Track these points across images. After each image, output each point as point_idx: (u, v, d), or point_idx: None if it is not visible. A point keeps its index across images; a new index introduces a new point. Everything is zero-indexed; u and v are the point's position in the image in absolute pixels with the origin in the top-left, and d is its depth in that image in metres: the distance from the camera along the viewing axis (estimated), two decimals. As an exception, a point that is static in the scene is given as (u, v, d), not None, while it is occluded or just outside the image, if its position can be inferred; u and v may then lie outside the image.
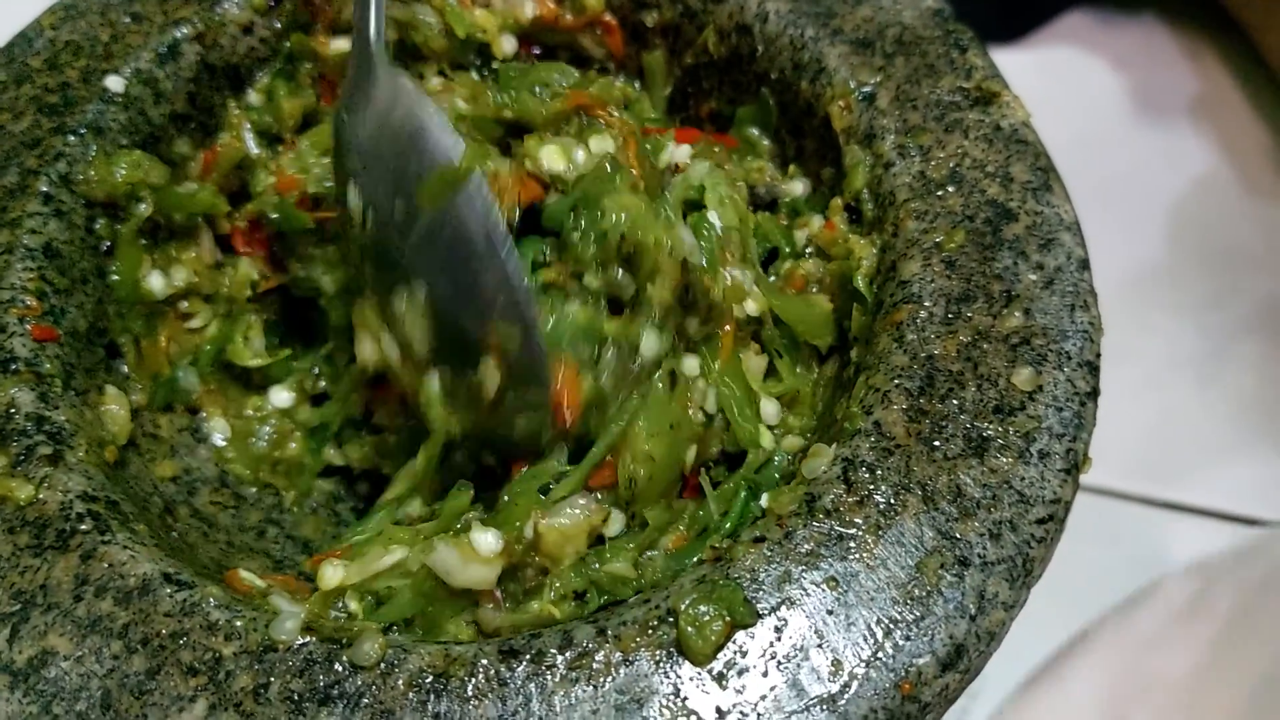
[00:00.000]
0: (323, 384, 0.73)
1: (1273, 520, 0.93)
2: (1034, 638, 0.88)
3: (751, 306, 0.62)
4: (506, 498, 0.58)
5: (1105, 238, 1.08)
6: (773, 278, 0.67)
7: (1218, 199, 1.13)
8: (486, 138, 0.65)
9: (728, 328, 0.60)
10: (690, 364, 0.60)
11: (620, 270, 0.58)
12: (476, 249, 0.56)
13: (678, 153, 0.63)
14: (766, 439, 0.61)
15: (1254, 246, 1.09)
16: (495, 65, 0.75)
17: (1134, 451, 0.98)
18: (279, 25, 0.74)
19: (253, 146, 0.72)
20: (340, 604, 0.55)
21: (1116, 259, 1.07)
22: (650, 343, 0.58)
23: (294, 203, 0.69)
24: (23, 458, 0.55)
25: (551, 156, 0.61)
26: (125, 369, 0.67)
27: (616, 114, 0.64)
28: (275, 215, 0.69)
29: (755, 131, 0.73)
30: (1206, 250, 1.09)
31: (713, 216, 0.62)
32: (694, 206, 0.63)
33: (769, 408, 0.61)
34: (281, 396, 0.72)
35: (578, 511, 0.57)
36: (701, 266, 0.59)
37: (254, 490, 0.70)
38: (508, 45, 0.76)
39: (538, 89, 0.64)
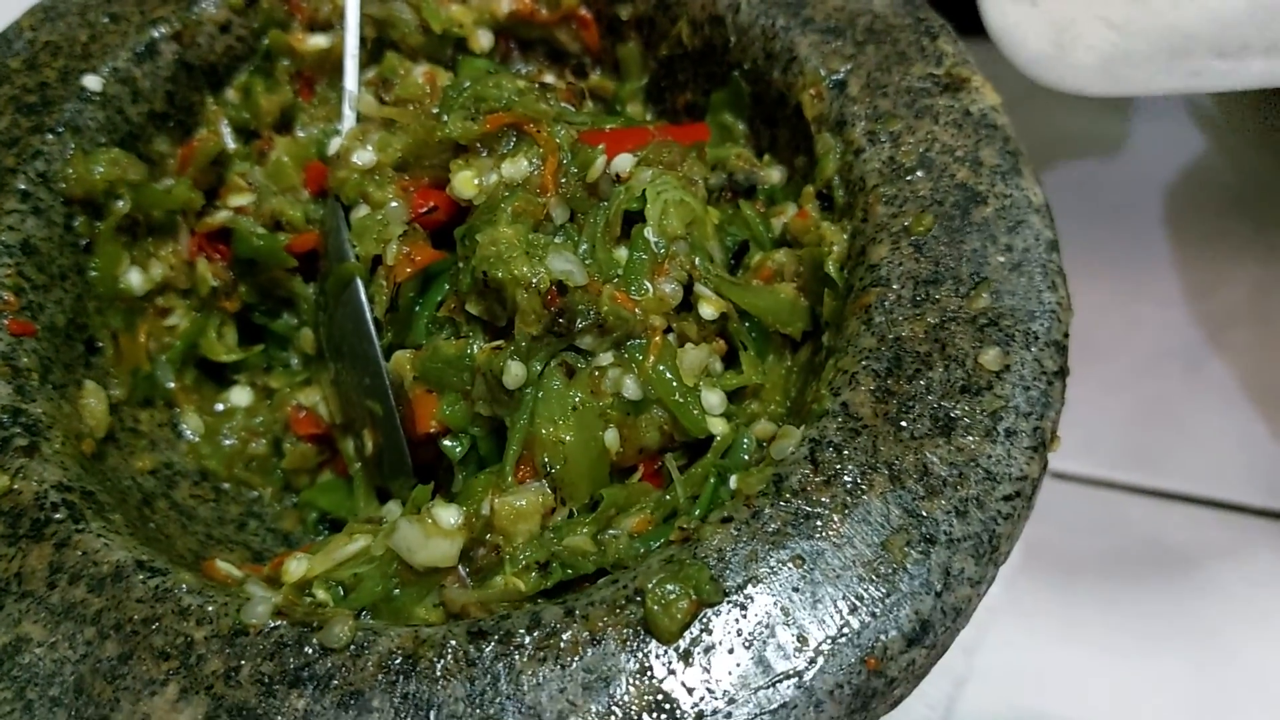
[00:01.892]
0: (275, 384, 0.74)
1: (1266, 507, 0.93)
2: (1028, 627, 0.88)
3: (707, 310, 0.63)
4: (461, 483, 0.59)
5: (1093, 227, 1.09)
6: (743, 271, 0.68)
7: (1207, 186, 1.12)
8: (428, 159, 0.68)
9: (655, 336, 0.61)
10: (604, 356, 0.61)
11: (495, 298, 0.61)
12: (355, 341, 0.66)
13: (618, 162, 0.64)
14: (718, 425, 0.61)
15: (1243, 233, 1.09)
16: (459, 58, 0.76)
17: (1125, 440, 0.98)
18: (256, 23, 0.75)
19: (230, 141, 0.73)
20: (309, 595, 0.56)
21: (1105, 247, 1.07)
22: (514, 372, 0.59)
23: (269, 230, 0.71)
24: (-2, 448, 0.56)
25: (463, 184, 0.64)
26: (104, 364, 0.67)
27: (546, 130, 0.64)
28: (259, 244, 0.70)
29: (730, 117, 0.73)
30: (1196, 238, 1.09)
31: (649, 232, 0.62)
32: (639, 216, 0.63)
33: (711, 397, 0.62)
34: (241, 395, 0.73)
35: (531, 492, 0.57)
36: (582, 288, 0.60)
37: (231, 485, 0.70)
38: (484, 40, 0.77)
39: (475, 104, 0.65)
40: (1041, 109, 1.15)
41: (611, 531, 0.57)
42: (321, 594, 0.56)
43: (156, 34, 0.71)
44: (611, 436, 0.60)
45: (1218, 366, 1.02)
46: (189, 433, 0.71)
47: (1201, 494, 0.96)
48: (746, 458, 0.60)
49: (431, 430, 0.62)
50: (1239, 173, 1.13)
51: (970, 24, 0.71)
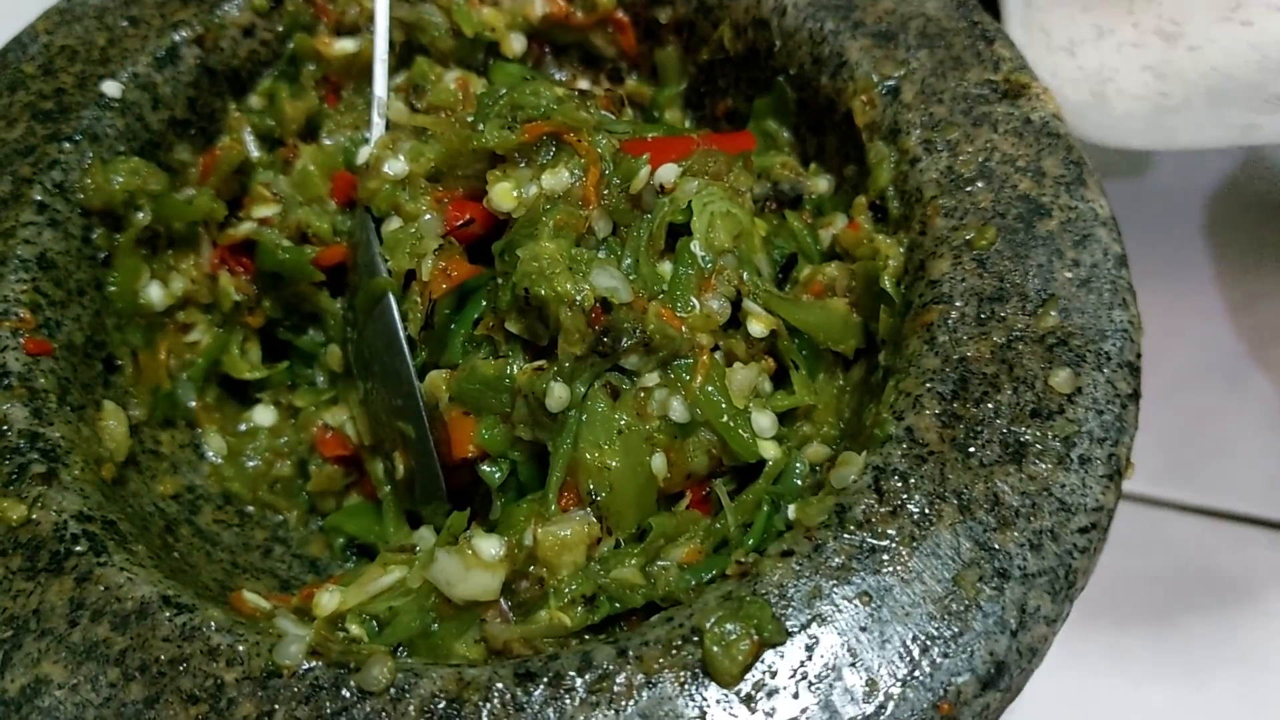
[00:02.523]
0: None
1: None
2: (1067, 649, 0.86)
3: (757, 328, 0.60)
4: (500, 510, 0.57)
5: (1132, 238, 1.05)
6: (791, 285, 0.65)
7: (1247, 198, 1.10)
8: (463, 169, 0.65)
9: (703, 355, 0.59)
10: (650, 376, 0.58)
11: (537, 316, 0.58)
12: (387, 359, 0.63)
13: (662, 173, 0.61)
14: (769, 449, 0.58)
15: (1287, 246, 1.06)
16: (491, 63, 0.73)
17: (1168, 457, 0.96)
18: (281, 27, 0.72)
19: (253, 150, 0.70)
20: (341, 630, 0.53)
21: (1143, 260, 1.04)
22: (557, 394, 0.56)
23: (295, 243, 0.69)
24: (15, 476, 0.53)
25: (501, 196, 0.62)
26: (123, 383, 0.64)
27: (587, 139, 0.62)
28: (284, 257, 0.67)
29: (774, 124, 0.71)
30: (1236, 250, 1.06)
31: (695, 246, 0.60)
32: (682, 229, 0.61)
33: (762, 419, 0.59)
34: (265, 414, 0.70)
35: (576, 521, 0.55)
36: (627, 305, 0.57)
37: (255, 508, 0.67)
38: (517, 44, 0.74)
39: (512, 112, 0.62)
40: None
41: (661, 563, 0.54)
42: (355, 628, 0.53)
43: (178, 38, 0.69)
44: (659, 462, 0.57)
45: (1261, 381, 1.00)
46: (211, 454, 0.68)
47: (1248, 512, 0.93)
48: (799, 483, 0.57)
49: (469, 455, 0.59)
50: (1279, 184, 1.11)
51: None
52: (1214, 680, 0.84)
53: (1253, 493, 0.94)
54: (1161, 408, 0.97)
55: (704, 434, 0.58)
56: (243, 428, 0.70)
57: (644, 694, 0.46)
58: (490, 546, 0.53)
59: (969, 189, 0.59)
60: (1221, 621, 0.87)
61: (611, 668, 0.47)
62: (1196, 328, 1.02)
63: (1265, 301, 1.04)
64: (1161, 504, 0.94)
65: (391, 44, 0.71)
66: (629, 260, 0.60)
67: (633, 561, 0.54)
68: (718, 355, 0.60)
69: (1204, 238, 1.08)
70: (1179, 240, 1.07)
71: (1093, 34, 0.73)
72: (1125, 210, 1.07)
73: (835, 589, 0.48)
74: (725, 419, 0.58)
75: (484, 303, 0.62)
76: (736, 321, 0.61)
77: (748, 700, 0.46)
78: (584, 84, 0.77)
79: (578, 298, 0.56)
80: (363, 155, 0.66)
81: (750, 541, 0.54)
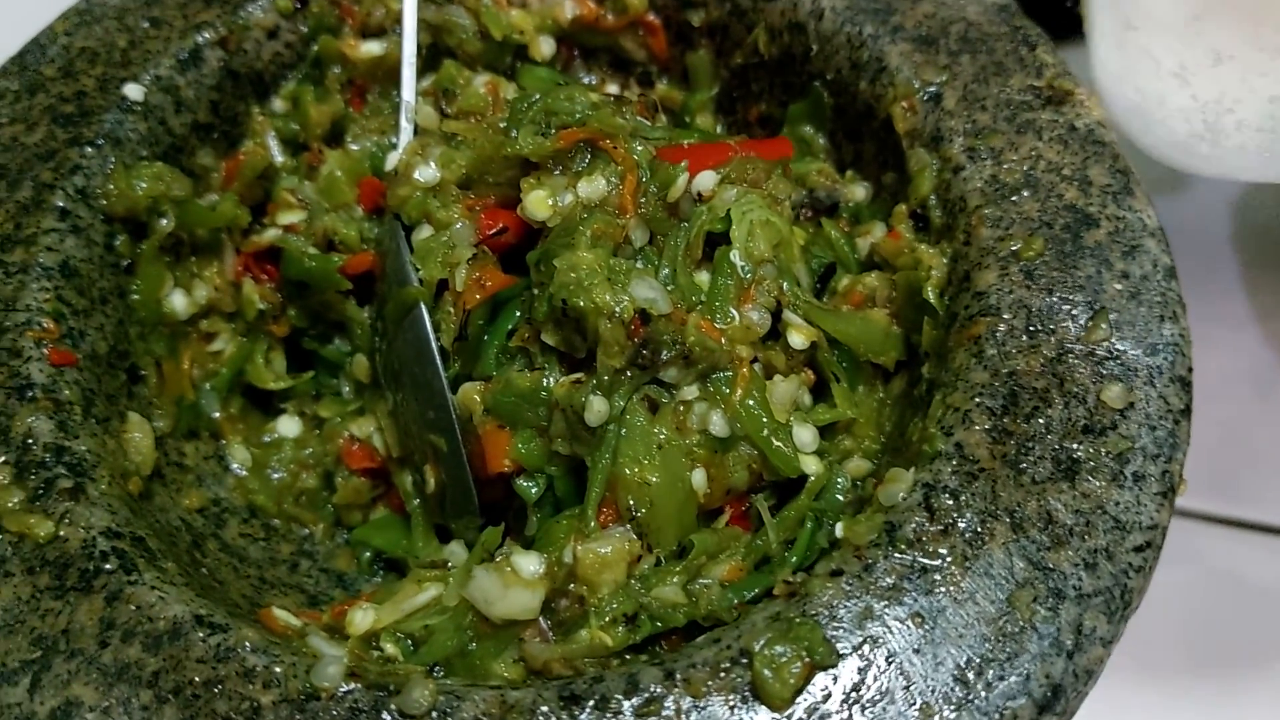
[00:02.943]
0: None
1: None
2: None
3: (797, 340, 0.59)
4: (538, 529, 0.56)
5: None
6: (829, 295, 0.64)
7: (1275, 205, 1.09)
8: (495, 177, 0.63)
9: (743, 367, 0.57)
10: (689, 389, 0.57)
11: (574, 328, 0.57)
12: (418, 371, 0.62)
13: (700, 180, 0.60)
14: (811, 464, 0.57)
15: (1312, 254, 1.05)
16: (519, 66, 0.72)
17: (1196, 466, 0.94)
18: (305, 29, 0.71)
19: (277, 154, 0.69)
20: (375, 649, 0.52)
21: (1176, 268, 1.03)
22: (597, 408, 0.55)
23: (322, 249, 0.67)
24: (41, 491, 0.52)
25: (536, 205, 0.60)
26: (147, 394, 0.63)
27: (624, 146, 0.60)
28: (310, 265, 0.66)
29: (809, 130, 0.69)
30: (1265, 258, 1.05)
31: (735, 255, 0.59)
32: (723, 237, 0.59)
33: (803, 434, 0.58)
34: (290, 425, 0.69)
35: (617, 538, 0.54)
36: (666, 317, 0.56)
37: (281, 521, 0.66)
38: (546, 47, 0.73)
39: (546, 118, 0.61)
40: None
41: (702, 581, 0.53)
42: (390, 647, 0.52)
43: (201, 39, 0.68)
44: (699, 477, 0.56)
45: (1292, 390, 0.98)
46: (236, 466, 0.67)
47: (1278, 523, 0.92)
48: (842, 499, 0.56)
49: (504, 469, 0.58)
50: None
51: (1059, 30, 0.67)
52: (1247, 693, 0.83)
53: (1282, 502, 0.93)
54: (1193, 417, 0.96)
55: (744, 448, 0.57)
56: (267, 439, 0.68)
57: (692, 718, 0.45)
58: (530, 564, 0.52)
59: (1014, 198, 0.58)
60: (1253, 633, 0.86)
61: (659, 690, 0.45)
62: (1225, 336, 1.01)
63: (1293, 308, 1.02)
64: (1191, 515, 0.93)
65: (419, 47, 0.70)
66: (666, 270, 0.58)
67: (674, 579, 0.53)
68: (757, 368, 0.59)
69: (1233, 245, 1.06)
70: (1207, 248, 1.06)
71: (1209, 59, 0.69)
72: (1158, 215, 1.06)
73: (887, 610, 0.47)
74: (766, 433, 0.56)
75: (518, 313, 0.60)
76: (776, 333, 0.60)
77: (800, 725, 0.44)
78: (613, 88, 0.76)
79: (617, 309, 0.55)
80: (391, 161, 0.65)
81: (794, 559, 0.53)
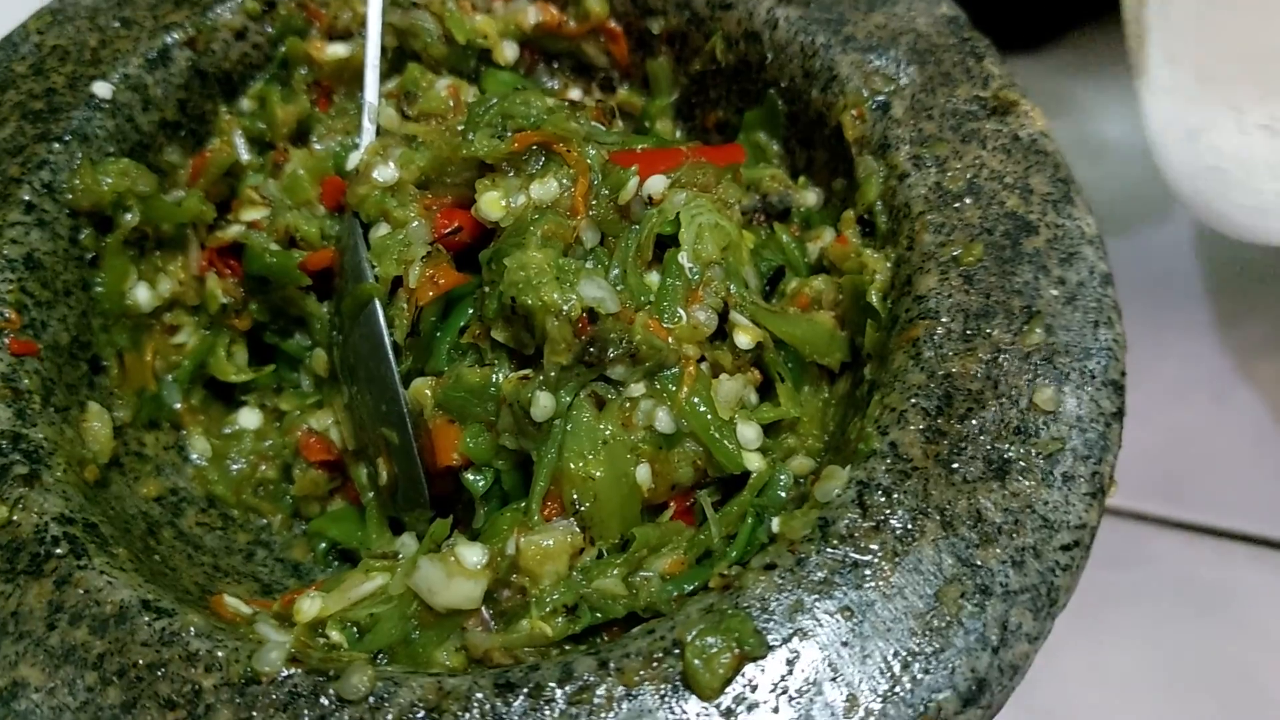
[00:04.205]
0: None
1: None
2: (1053, 665, 0.86)
3: (743, 340, 0.60)
4: (484, 521, 0.57)
5: (1120, 254, 1.06)
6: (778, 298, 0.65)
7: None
8: (452, 178, 0.65)
9: (689, 366, 0.59)
10: (636, 387, 0.58)
11: (523, 325, 0.58)
12: (372, 365, 0.63)
13: (651, 184, 0.61)
14: (754, 461, 0.58)
15: (1270, 262, 1.06)
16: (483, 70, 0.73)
17: (1152, 471, 0.96)
18: (272, 30, 0.72)
19: (244, 153, 0.70)
20: (322, 636, 0.53)
21: (1131, 275, 1.05)
22: (543, 404, 0.56)
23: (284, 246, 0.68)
24: (-4, 478, 0.53)
25: (489, 206, 0.62)
26: (109, 384, 0.64)
27: (577, 150, 0.62)
28: (271, 260, 0.67)
29: (764, 136, 0.71)
30: (1224, 266, 1.07)
31: (683, 257, 0.60)
32: (673, 240, 0.61)
33: (747, 432, 0.59)
34: (250, 417, 0.70)
35: (559, 531, 0.55)
36: (614, 316, 0.57)
37: (239, 512, 0.67)
38: (509, 52, 0.74)
39: (502, 121, 0.62)
40: (1068, 131, 1.13)
41: (643, 573, 0.54)
42: (336, 635, 0.53)
43: (169, 40, 0.69)
44: (643, 472, 0.57)
45: (1246, 397, 1.00)
46: (196, 456, 0.68)
47: (1231, 528, 0.93)
48: (784, 495, 0.57)
49: (453, 463, 0.59)
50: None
51: (1008, 42, 0.67)
52: (1196, 694, 0.84)
53: (1236, 508, 0.94)
54: (1146, 422, 0.97)
55: (689, 445, 0.58)
56: (228, 431, 0.69)
57: (624, 706, 0.46)
58: (473, 555, 0.53)
59: (957, 205, 0.59)
60: (1204, 636, 0.87)
61: (592, 679, 0.47)
62: (1182, 343, 1.02)
63: (1251, 317, 1.04)
64: (1145, 519, 0.94)
65: (384, 49, 0.71)
66: (616, 271, 0.60)
67: (615, 572, 0.54)
68: (704, 367, 0.60)
69: (1191, 254, 1.08)
70: (1166, 256, 1.08)
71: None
72: (1112, 225, 1.07)
73: (817, 603, 0.48)
74: (711, 430, 0.58)
75: (470, 311, 0.62)
76: (723, 333, 0.61)
77: (728, 714, 0.46)
78: (576, 93, 0.77)
79: (564, 307, 0.56)
80: (353, 161, 0.66)
81: (734, 554, 0.54)
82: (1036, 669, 0.84)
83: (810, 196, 0.68)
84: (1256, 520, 0.93)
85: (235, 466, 0.68)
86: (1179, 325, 1.03)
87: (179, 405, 0.68)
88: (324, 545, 0.67)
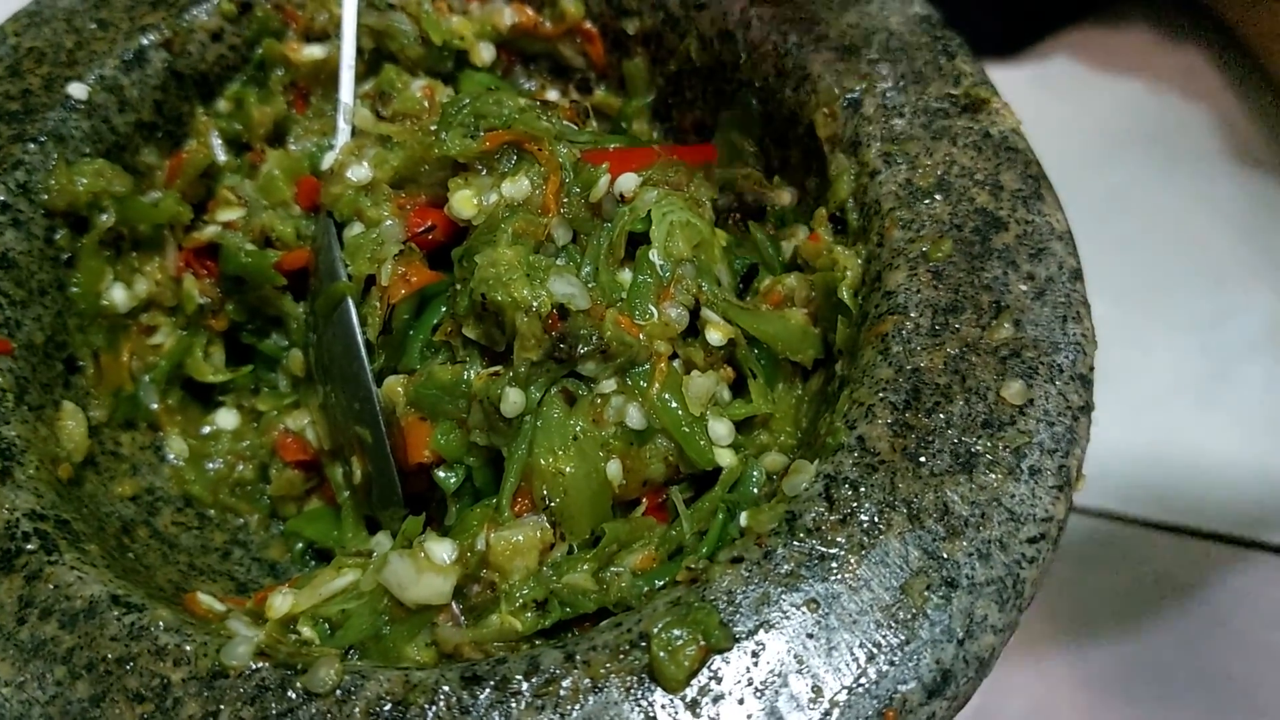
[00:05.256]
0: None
1: (1277, 543, 0.91)
2: (1038, 666, 0.86)
3: (715, 336, 0.60)
4: (456, 516, 0.57)
5: (1106, 255, 1.06)
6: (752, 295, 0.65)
7: (1219, 214, 1.10)
8: (426, 177, 0.65)
9: (660, 362, 0.59)
10: (607, 383, 0.59)
11: (494, 322, 0.58)
12: (345, 364, 0.63)
13: (622, 182, 0.62)
14: (725, 457, 0.59)
15: (1257, 264, 1.07)
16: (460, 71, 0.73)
17: (1137, 473, 0.96)
18: (249, 32, 0.72)
19: (220, 154, 0.70)
20: (294, 633, 0.53)
21: (1117, 276, 1.05)
22: (512, 400, 0.57)
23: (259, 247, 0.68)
24: (-32, 475, 0.53)
25: (462, 204, 0.62)
26: (84, 384, 0.64)
27: (548, 149, 0.62)
28: (247, 261, 0.67)
29: (739, 136, 0.71)
30: (1208, 267, 1.07)
31: (654, 255, 0.60)
32: (643, 238, 0.61)
33: (719, 427, 0.59)
34: (228, 417, 0.70)
35: (529, 526, 0.55)
36: (584, 312, 0.57)
37: (216, 511, 0.67)
38: (486, 53, 0.74)
39: (474, 121, 0.63)
40: (1054, 133, 1.13)
41: (614, 569, 0.55)
42: (307, 631, 0.53)
43: (145, 41, 0.69)
44: (614, 468, 0.57)
45: (1231, 399, 1.00)
46: (173, 456, 0.68)
47: (1214, 529, 0.94)
48: (756, 491, 0.57)
49: (424, 460, 0.59)
50: (1251, 201, 1.11)
51: (979, 45, 0.68)
52: (1178, 695, 0.85)
53: (1219, 510, 0.94)
54: (1130, 424, 0.97)
55: (661, 441, 0.58)
56: (205, 430, 0.70)
57: (590, 699, 0.46)
58: (442, 550, 0.53)
59: (926, 201, 0.60)
60: (1186, 636, 0.87)
61: (558, 672, 0.47)
62: (1168, 344, 1.03)
63: (1236, 319, 1.04)
64: (1128, 520, 0.94)
65: (361, 51, 0.72)
66: (589, 268, 0.60)
67: (585, 567, 0.54)
68: (677, 363, 0.60)
69: (1177, 255, 1.08)
70: (1152, 257, 1.08)
71: None
72: (1097, 226, 1.08)
73: (784, 596, 0.48)
74: (682, 426, 0.58)
75: (443, 309, 0.62)
76: (696, 330, 0.61)
77: (693, 706, 0.46)
78: (553, 94, 0.78)
79: (534, 304, 0.56)
80: (327, 161, 0.67)
81: (704, 549, 0.55)
82: (1022, 669, 0.85)
83: (785, 195, 0.69)
84: (1239, 522, 0.93)
85: (212, 466, 0.68)
86: (1164, 326, 1.04)
87: (156, 405, 0.68)
88: (300, 545, 0.68)
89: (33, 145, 0.64)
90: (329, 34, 0.73)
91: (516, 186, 0.61)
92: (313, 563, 0.68)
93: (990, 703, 0.85)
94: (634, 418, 0.58)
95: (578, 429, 0.57)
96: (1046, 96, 1.18)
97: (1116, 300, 1.03)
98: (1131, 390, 0.99)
